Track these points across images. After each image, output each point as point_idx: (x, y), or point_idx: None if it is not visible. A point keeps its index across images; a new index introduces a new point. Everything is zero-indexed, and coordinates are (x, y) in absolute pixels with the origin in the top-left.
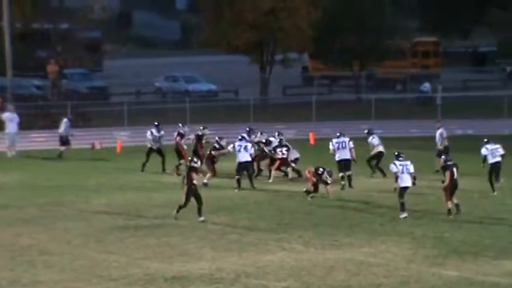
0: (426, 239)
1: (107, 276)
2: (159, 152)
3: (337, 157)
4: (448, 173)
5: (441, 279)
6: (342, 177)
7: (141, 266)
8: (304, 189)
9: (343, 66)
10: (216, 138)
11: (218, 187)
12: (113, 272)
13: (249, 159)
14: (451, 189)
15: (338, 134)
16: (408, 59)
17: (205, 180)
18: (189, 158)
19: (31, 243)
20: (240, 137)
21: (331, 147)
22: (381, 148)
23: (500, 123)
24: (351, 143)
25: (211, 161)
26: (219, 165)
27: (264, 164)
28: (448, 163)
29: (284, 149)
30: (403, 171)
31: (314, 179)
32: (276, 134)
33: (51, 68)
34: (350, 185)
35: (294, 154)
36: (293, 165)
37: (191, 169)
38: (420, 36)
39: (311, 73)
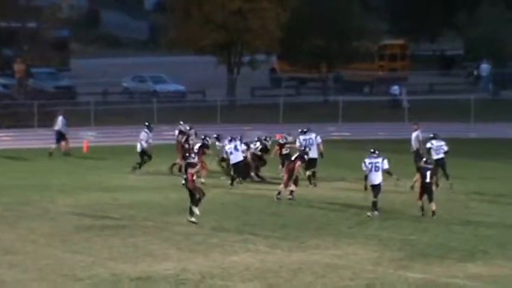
0: (392, 242)
1: (72, 276)
2: (146, 153)
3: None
4: (418, 175)
5: (407, 282)
6: (309, 177)
7: (106, 266)
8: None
9: (310, 68)
10: (214, 135)
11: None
12: (79, 272)
13: (241, 158)
14: (422, 190)
15: (305, 130)
16: (376, 61)
17: (202, 180)
18: (187, 155)
19: None
20: (229, 138)
21: (297, 144)
22: None
23: (467, 127)
24: (318, 137)
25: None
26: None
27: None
28: (425, 165)
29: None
30: (372, 170)
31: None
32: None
33: (18, 67)
34: (312, 182)
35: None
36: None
37: (188, 165)
38: (388, 39)
39: (279, 75)
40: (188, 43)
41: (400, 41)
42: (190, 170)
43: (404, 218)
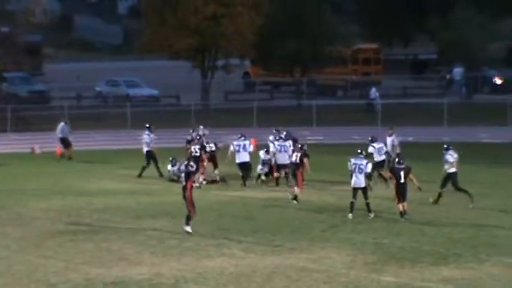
0: (365, 246)
1: (45, 281)
2: (152, 155)
3: (278, 160)
4: (391, 175)
5: (380, 286)
6: (277, 179)
7: (80, 271)
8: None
9: (284, 73)
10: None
11: (160, 192)
12: (52, 277)
13: (247, 159)
14: (399, 192)
15: (283, 136)
16: (349, 65)
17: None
18: (187, 163)
19: None
20: (239, 135)
21: (272, 149)
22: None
23: (440, 130)
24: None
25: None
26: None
27: None
28: (398, 166)
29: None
30: (355, 171)
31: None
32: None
33: None
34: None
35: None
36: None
37: (189, 174)
38: (361, 43)
39: (252, 79)
40: (162, 48)
41: (373, 45)
42: (190, 180)
43: (378, 221)
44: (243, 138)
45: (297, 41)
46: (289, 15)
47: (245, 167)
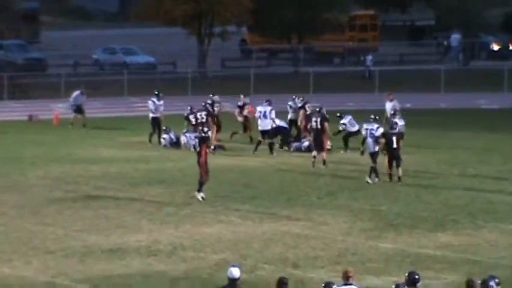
0: (363, 212)
1: (43, 249)
2: (157, 122)
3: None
4: (383, 140)
5: (377, 252)
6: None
7: (78, 238)
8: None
9: (281, 40)
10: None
11: (157, 159)
12: (50, 244)
13: (268, 127)
14: (389, 157)
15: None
16: (346, 32)
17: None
18: (200, 128)
19: None
20: (264, 100)
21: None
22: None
23: (438, 97)
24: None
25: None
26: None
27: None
28: (390, 131)
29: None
30: (367, 136)
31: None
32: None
33: None
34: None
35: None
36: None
37: (203, 140)
38: (358, 9)
39: (249, 46)
40: (158, 15)
41: (370, 12)
42: (204, 145)
43: (375, 188)
44: (267, 103)
45: (294, 8)
46: None
47: (267, 134)
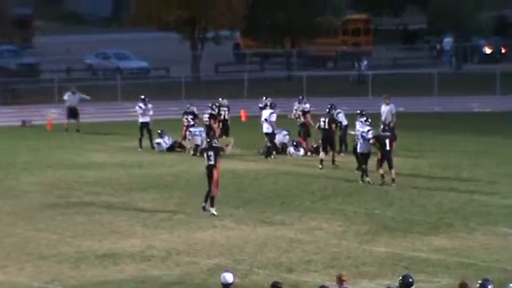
0: (357, 216)
1: (37, 254)
2: (147, 127)
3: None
4: (376, 142)
5: (371, 256)
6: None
7: (71, 243)
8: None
9: (274, 44)
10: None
11: (151, 164)
12: (43, 249)
13: (269, 130)
14: (382, 158)
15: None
16: (339, 36)
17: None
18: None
19: None
20: (261, 105)
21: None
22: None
23: (431, 101)
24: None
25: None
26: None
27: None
28: (383, 134)
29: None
30: (359, 137)
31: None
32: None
33: None
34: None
35: None
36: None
37: (214, 149)
38: (351, 13)
39: (243, 50)
40: (152, 20)
41: (363, 16)
42: (219, 159)
43: (369, 191)
44: (267, 108)
45: (287, 12)
46: None
47: (269, 137)
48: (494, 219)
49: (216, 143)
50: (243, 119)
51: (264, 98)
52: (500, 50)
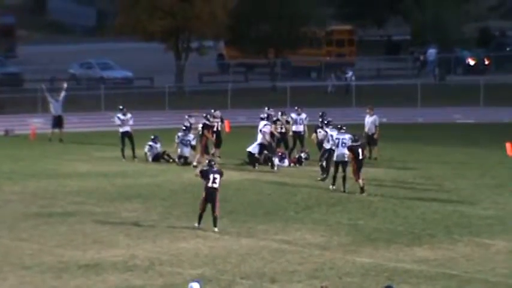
0: (340, 227)
1: (19, 264)
2: (129, 136)
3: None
4: (350, 153)
5: (355, 266)
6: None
7: (54, 253)
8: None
9: (258, 54)
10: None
11: (134, 174)
12: (26, 259)
13: (263, 141)
14: (356, 168)
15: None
16: (323, 47)
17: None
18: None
19: None
20: (262, 116)
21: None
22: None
23: (414, 112)
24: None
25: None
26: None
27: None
28: (355, 144)
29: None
30: (338, 145)
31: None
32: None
33: None
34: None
35: None
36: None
37: (216, 173)
38: (335, 24)
39: (227, 61)
40: (136, 29)
41: (347, 27)
42: (219, 179)
43: (352, 202)
44: (265, 120)
45: (271, 22)
46: None
47: (262, 148)
48: (477, 231)
49: (213, 164)
50: (227, 129)
51: (266, 108)
52: (484, 62)
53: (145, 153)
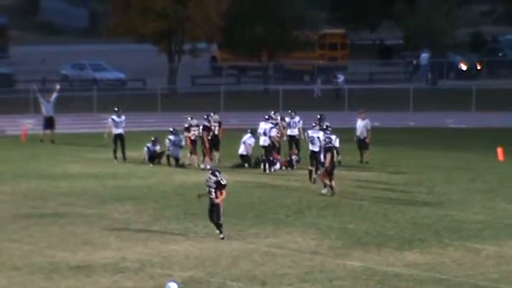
0: (331, 230)
1: (10, 265)
2: (121, 138)
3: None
4: (328, 155)
5: (345, 270)
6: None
7: (45, 254)
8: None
9: (251, 57)
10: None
11: (125, 176)
12: (17, 260)
13: (265, 143)
14: (330, 169)
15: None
16: (316, 50)
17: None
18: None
19: None
20: (267, 117)
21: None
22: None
23: (406, 116)
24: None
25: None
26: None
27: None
28: (329, 145)
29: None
30: (313, 142)
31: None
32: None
33: None
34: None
35: None
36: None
37: (220, 185)
38: (328, 28)
39: (219, 63)
40: (128, 31)
41: (340, 30)
42: (221, 193)
43: (343, 206)
44: (269, 120)
45: (264, 25)
46: None
47: (265, 150)
48: (467, 235)
49: (223, 180)
50: (221, 135)
51: (273, 112)
52: (476, 67)
53: (148, 148)
